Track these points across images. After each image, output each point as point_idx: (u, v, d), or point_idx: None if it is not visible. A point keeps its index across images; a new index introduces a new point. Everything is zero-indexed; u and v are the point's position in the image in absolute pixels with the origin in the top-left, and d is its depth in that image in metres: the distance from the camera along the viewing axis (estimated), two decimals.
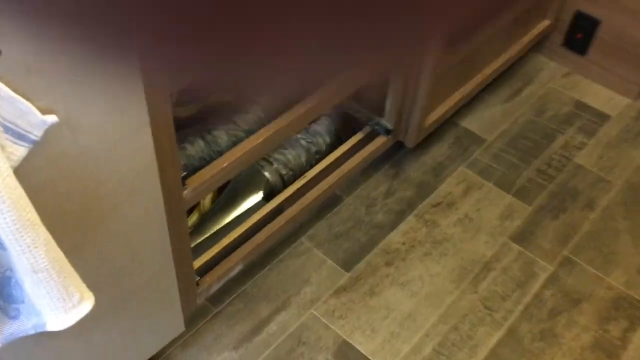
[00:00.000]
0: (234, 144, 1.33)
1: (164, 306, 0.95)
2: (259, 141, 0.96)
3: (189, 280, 0.99)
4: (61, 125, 0.59)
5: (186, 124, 1.49)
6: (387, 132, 1.30)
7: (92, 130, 0.65)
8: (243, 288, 1.21)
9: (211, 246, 1.13)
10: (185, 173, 0.85)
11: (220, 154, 1.32)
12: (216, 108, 1.51)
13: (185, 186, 0.86)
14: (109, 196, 0.72)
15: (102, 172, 0.69)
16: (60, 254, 0.62)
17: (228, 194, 1.27)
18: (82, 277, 0.73)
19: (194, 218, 1.27)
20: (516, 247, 1.31)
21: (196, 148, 1.26)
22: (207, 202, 1.29)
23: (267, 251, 1.23)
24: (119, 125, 0.68)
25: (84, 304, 0.68)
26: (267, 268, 1.24)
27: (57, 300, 0.66)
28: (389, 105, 1.28)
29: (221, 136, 1.30)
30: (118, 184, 0.72)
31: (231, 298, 1.19)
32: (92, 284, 0.66)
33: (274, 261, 1.26)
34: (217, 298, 1.19)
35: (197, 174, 0.88)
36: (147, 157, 0.74)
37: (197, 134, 1.29)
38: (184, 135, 1.28)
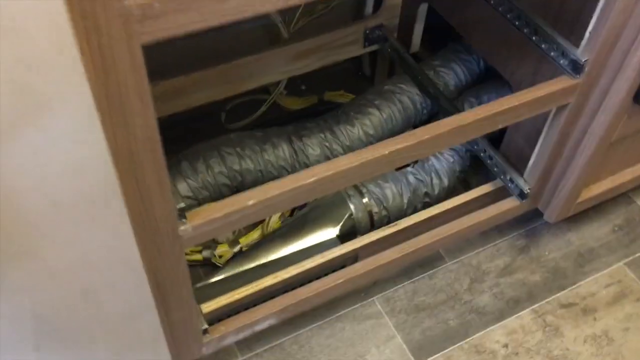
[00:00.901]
0: (327, 161, 1.08)
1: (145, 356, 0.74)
2: (327, 173, 0.69)
3: (187, 328, 0.76)
4: None
5: (291, 118, 1.26)
6: (522, 195, 0.96)
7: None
8: (281, 340, 0.96)
9: (246, 283, 0.89)
10: (184, 205, 0.62)
11: (307, 167, 1.07)
12: (333, 107, 1.26)
13: (184, 220, 0.63)
14: (41, 222, 0.51)
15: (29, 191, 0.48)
16: None
17: (300, 218, 1.02)
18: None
19: (255, 235, 1.05)
20: None
21: (277, 154, 1.03)
22: (274, 219, 1.06)
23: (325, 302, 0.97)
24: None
25: None
26: (317, 324, 0.98)
27: None
28: (533, 162, 0.94)
29: (313, 146, 1.05)
30: (54, 208, 0.50)
31: (263, 348, 0.95)
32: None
33: (330, 317, 0.99)
34: (246, 343, 0.95)
35: (203, 208, 0.64)
36: (99, 177, 0.51)
37: (284, 136, 1.05)
38: (271, 134, 1.05)
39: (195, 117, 1.21)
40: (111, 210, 0.54)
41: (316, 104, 1.28)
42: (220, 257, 1.02)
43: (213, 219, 0.64)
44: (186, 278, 0.70)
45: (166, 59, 1.12)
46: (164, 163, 0.56)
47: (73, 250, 0.55)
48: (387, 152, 0.71)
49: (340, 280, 0.89)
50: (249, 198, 0.66)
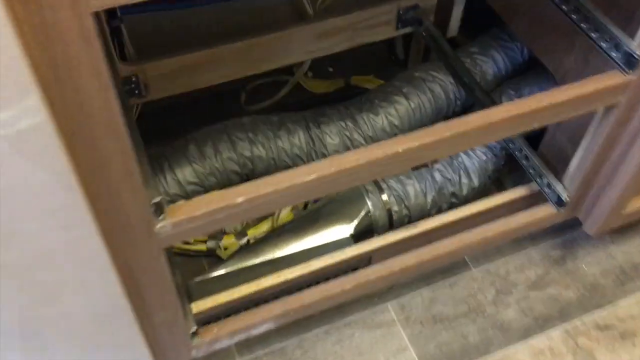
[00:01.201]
0: (345, 150, 0.99)
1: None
2: (329, 171, 0.61)
3: (172, 330, 0.70)
4: None
5: (314, 102, 1.18)
6: (560, 203, 0.86)
7: None
8: (283, 344, 0.89)
9: (248, 279, 0.82)
10: (160, 198, 0.54)
11: (324, 157, 0.99)
12: (360, 92, 1.17)
13: (163, 216, 0.56)
14: None
15: None
16: None
17: (312, 212, 0.94)
18: None
19: (264, 227, 0.98)
20: None
21: (292, 141, 0.95)
22: (285, 211, 0.98)
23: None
24: None
25: None
26: (324, 328, 0.91)
27: None
28: (574, 166, 0.83)
29: (331, 135, 0.96)
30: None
31: (264, 351, 0.88)
32: None
33: (338, 322, 0.91)
34: (246, 344, 0.89)
35: (185, 204, 0.57)
36: (51, 166, 0.44)
37: (301, 122, 0.97)
38: (286, 119, 0.97)
39: (214, 97, 1.14)
40: (68, 203, 0.47)
41: (342, 89, 1.19)
42: (225, 249, 0.95)
43: (196, 216, 0.57)
44: (167, 279, 0.63)
45: (182, 33, 1.06)
46: (131, 151, 0.48)
47: (26, 246, 0.48)
48: (400, 150, 0.62)
49: (349, 286, 0.81)
50: (238, 194, 0.58)
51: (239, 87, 1.17)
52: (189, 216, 0.57)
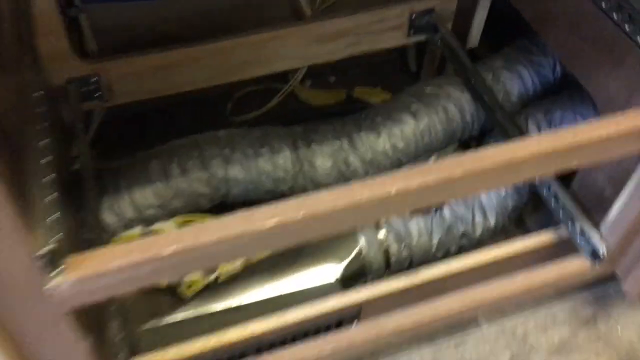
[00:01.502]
0: (339, 176, 0.84)
1: None
2: (295, 216, 0.45)
3: None
4: None
5: (310, 115, 1.03)
6: (595, 255, 0.70)
7: None
8: None
9: (210, 329, 0.67)
10: (50, 247, 0.39)
11: (313, 184, 0.84)
12: (365, 105, 1.02)
13: (58, 272, 0.40)
14: None
15: None
16: None
17: (293, 249, 0.79)
18: None
19: (237, 262, 0.82)
20: None
21: (276, 162, 0.80)
22: None
23: None
24: None
25: None
26: None
27: None
28: (615, 213, 0.67)
29: (323, 156, 0.82)
30: None
31: None
32: None
33: None
34: None
35: (92, 255, 0.41)
36: None
37: (288, 139, 0.82)
38: (271, 134, 0.82)
39: (195, 105, 1.00)
40: None
41: (344, 102, 1.05)
42: (189, 286, 0.80)
43: (107, 271, 0.42)
44: (76, 347, 0.48)
45: (155, 28, 0.92)
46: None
47: None
48: (393, 192, 0.46)
49: (328, 349, 0.66)
50: (169, 242, 0.43)
51: (225, 95, 1.03)
52: (97, 271, 0.42)
